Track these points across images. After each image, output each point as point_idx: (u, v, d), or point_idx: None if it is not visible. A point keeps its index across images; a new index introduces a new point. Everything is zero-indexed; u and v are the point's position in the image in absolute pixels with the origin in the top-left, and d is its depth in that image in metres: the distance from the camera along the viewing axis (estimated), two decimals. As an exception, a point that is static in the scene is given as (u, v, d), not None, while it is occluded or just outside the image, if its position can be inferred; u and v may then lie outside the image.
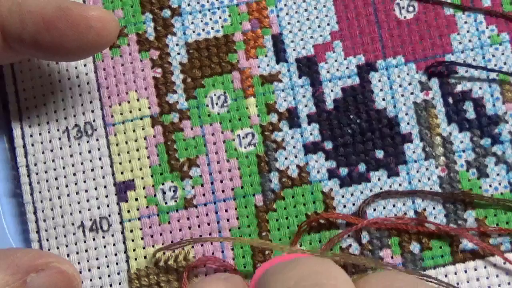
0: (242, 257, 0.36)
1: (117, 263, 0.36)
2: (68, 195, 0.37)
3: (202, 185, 0.37)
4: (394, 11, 0.37)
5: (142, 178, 0.37)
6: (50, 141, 0.37)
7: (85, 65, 0.38)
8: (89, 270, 0.36)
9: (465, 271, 0.35)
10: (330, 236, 0.36)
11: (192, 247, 0.36)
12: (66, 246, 0.37)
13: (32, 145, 0.37)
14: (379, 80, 0.37)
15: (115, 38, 0.33)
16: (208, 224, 0.36)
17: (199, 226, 0.36)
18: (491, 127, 0.36)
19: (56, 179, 0.37)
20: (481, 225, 0.36)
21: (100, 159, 0.37)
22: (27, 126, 0.37)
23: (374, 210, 0.36)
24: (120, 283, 0.36)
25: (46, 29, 0.32)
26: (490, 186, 0.36)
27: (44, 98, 0.38)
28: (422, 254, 0.36)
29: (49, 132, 0.37)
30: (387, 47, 0.37)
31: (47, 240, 0.37)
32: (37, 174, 0.37)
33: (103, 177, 0.37)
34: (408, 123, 0.37)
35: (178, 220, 0.37)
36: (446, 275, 0.35)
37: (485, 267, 0.35)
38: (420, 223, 0.36)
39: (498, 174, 0.36)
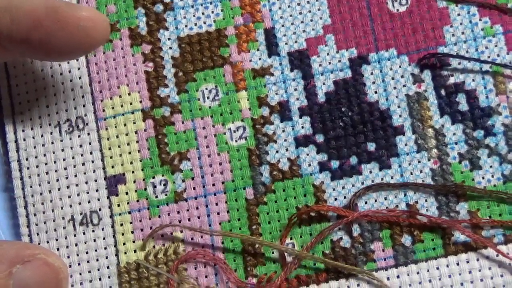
0: (232, 250, 0.42)
1: (106, 257, 0.42)
2: (59, 189, 0.43)
3: (192, 179, 0.43)
4: (387, 4, 0.44)
5: (133, 172, 0.43)
6: (42, 136, 0.44)
7: (77, 60, 0.44)
8: (79, 264, 0.42)
9: (457, 264, 0.41)
10: (321, 229, 0.42)
11: (182, 240, 0.42)
12: (56, 240, 0.43)
13: (24, 139, 0.44)
14: (372, 73, 0.43)
15: (105, 38, 0.39)
16: (199, 217, 0.42)
17: (189, 219, 0.42)
18: (484, 119, 0.42)
19: (47, 173, 0.43)
20: (474, 217, 0.41)
21: (91, 153, 0.43)
22: (19, 121, 0.44)
23: (366, 203, 0.42)
24: (109, 277, 0.42)
25: (36, 28, 0.37)
26: (483, 178, 0.42)
27: (37, 93, 0.44)
28: (413, 247, 0.41)
29: (41, 127, 0.44)
30: (379, 40, 0.44)
31: (37, 234, 0.43)
32: (28, 168, 0.44)
33: (94, 171, 0.43)
34: (400, 116, 0.43)
35: (168, 214, 0.43)
36: (438, 268, 0.41)
37: (477, 260, 0.41)
38: (411, 215, 0.41)
39: (491, 166, 0.42)
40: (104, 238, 0.43)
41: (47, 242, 0.43)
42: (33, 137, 0.44)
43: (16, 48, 0.39)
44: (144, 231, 0.43)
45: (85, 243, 0.43)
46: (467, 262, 0.41)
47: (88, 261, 0.42)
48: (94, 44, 0.39)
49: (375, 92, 0.43)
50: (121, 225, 0.43)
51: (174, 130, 0.43)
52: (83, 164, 0.43)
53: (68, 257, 0.43)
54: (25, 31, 0.37)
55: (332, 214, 0.42)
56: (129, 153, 0.43)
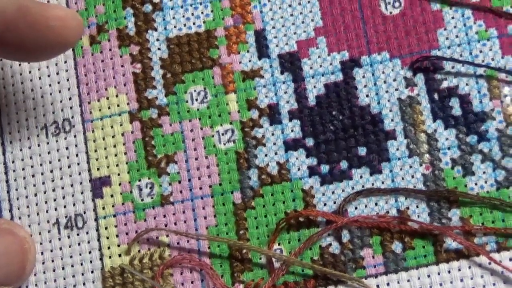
0: (219, 256, 0.42)
1: (91, 261, 0.42)
2: (44, 192, 0.43)
3: (179, 182, 0.43)
4: (379, 6, 0.44)
5: (119, 175, 0.43)
6: (28, 138, 0.44)
7: (65, 62, 0.44)
8: (63, 268, 0.42)
9: (449, 272, 0.40)
10: (310, 235, 0.41)
11: (168, 245, 0.42)
12: (41, 243, 0.43)
13: (10, 142, 0.44)
14: (363, 76, 0.43)
15: (77, 37, 0.39)
16: (185, 221, 0.42)
17: (175, 223, 0.42)
18: (477, 124, 0.42)
19: (33, 176, 0.43)
20: (466, 224, 0.41)
21: (77, 155, 0.43)
22: (5, 123, 0.44)
23: (356, 208, 0.42)
24: (93, 282, 0.42)
25: (8, 30, 0.37)
26: (476, 184, 0.41)
27: (24, 95, 0.44)
28: (404, 254, 0.41)
29: (27, 129, 0.44)
30: (372, 43, 0.44)
31: (21, 237, 0.43)
32: (14, 171, 0.44)
33: (79, 174, 0.43)
34: (392, 120, 0.42)
35: (154, 218, 0.43)
36: (429, 275, 0.41)
37: (469, 267, 0.40)
38: (402, 221, 0.41)
39: (484, 172, 0.41)
40: (88, 242, 0.43)
41: (31, 245, 0.43)
42: (20, 140, 0.44)
43: None
44: (129, 235, 0.43)
45: (70, 246, 0.43)
46: (459, 270, 0.41)
47: (72, 266, 0.43)
48: (66, 43, 0.39)
49: (367, 96, 0.43)
50: (106, 228, 0.43)
51: (162, 132, 0.43)
52: (69, 166, 0.43)
53: (53, 261, 0.43)
54: None
55: (321, 220, 0.42)
56: (115, 155, 0.43)
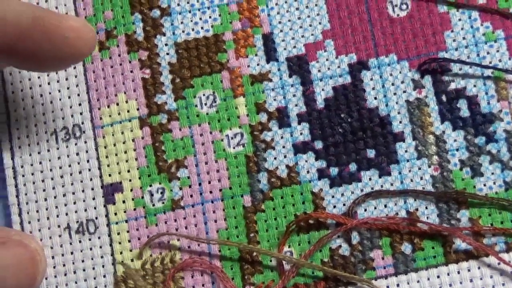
0: (229, 258, 0.43)
1: (103, 266, 0.43)
2: (55, 197, 0.44)
3: (189, 186, 0.44)
4: (387, 9, 0.44)
5: (130, 180, 0.44)
6: (38, 143, 0.45)
7: (74, 68, 0.45)
8: (75, 272, 0.43)
9: (458, 272, 0.41)
10: (320, 237, 0.42)
11: (179, 249, 0.43)
12: (51, 248, 0.43)
13: (20, 147, 0.45)
14: (371, 79, 0.44)
15: (91, 49, 0.39)
16: (196, 225, 0.43)
17: (186, 227, 0.43)
18: (485, 125, 0.43)
19: (43, 181, 0.44)
20: (475, 225, 0.42)
21: (88, 161, 0.44)
22: (14, 128, 0.45)
23: (365, 210, 0.43)
24: (105, 286, 0.43)
25: (23, 39, 0.38)
26: (485, 185, 0.42)
27: (33, 100, 0.45)
28: (414, 255, 0.42)
29: (37, 134, 0.45)
30: (379, 45, 0.44)
31: (33, 242, 0.44)
32: (23, 176, 0.44)
33: (91, 179, 0.44)
34: (400, 122, 0.43)
35: (166, 222, 0.43)
36: (438, 276, 0.41)
37: (479, 268, 0.41)
38: (412, 223, 0.42)
39: (492, 173, 0.42)
40: (100, 247, 0.43)
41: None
42: (29, 145, 0.44)
43: (3, 59, 0.39)
44: (141, 239, 0.43)
45: (81, 251, 0.43)
46: (468, 270, 0.41)
47: (84, 270, 0.43)
48: (80, 55, 0.39)
49: (375, 98, 0.43)
50: (118, 234, 0.43)
51: (171, 137, 0.44)
52: (80, 172, 0.44)
53: (64, 265, 0.43)
54: (12, 42, 0.38)
55: (331, 222, 0.42)
56: (126, 161, 0.44)
